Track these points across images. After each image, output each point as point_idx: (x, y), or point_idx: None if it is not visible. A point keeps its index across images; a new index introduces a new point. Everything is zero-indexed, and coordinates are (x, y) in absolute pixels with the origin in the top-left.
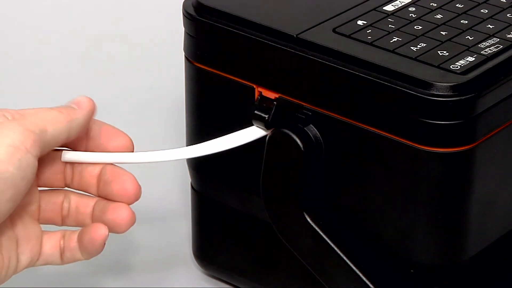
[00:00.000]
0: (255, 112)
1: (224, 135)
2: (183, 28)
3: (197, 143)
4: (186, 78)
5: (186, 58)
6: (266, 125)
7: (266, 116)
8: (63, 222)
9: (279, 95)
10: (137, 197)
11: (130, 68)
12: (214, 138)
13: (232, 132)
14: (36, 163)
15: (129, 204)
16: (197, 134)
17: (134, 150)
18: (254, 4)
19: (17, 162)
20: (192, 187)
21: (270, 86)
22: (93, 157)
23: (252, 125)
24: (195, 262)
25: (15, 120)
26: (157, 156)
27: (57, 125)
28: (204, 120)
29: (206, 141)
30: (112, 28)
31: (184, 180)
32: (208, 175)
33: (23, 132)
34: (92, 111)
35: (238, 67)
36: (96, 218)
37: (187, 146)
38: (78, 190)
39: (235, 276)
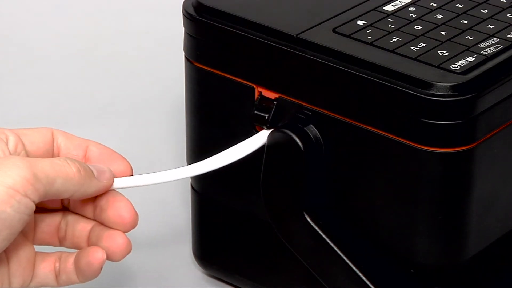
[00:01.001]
0: (255, 112)
1: (224, 135)
2: (183, 28)
3: (197, 144)
4: (186, 78)
5: (186, 58)
6: (266, 125)
7: (266, 116)
8: (60, 244)
9: (279, 95)
10: (133, 224)
11: (130, 68)
12: (214, 139)
13: (231, 133)
14: (34, 206)
15: (125, 231)
16: (197, 134)
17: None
18: (254, 4)
19: (15, 204)
20: (192, 187)
21: (270, 86)
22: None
23: (252, 125)
24: (195, 262)
25: (26, 160)
26: (162, 176)
27: (67, 183)
28: (204, 120)
29: (206, 141)
30: (112, 28)
31: (184, 180)
32: (208, 175)
33: (28, 178)
34: (108, 188)
35: (238, 67)
36: (91, 243)
37: (187, 146)
38: (75, 212)
39: (235, 276)
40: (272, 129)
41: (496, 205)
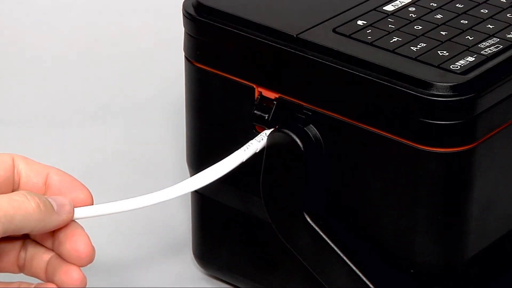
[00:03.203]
0: (255, 112)
1: (224, 135)
2: (183, 28)
3: (197, 144)
4: (186, 78)
5: (186, 58)
6: (266, 125)
7: (266, 116)
8: (20, 271)
9: (279, 95)
10: (89, 259)
11: (130, 68)
12: (214, 139)
13: (231, 133)
14: None
15: (81, 266)
16: (197, 134)
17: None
18: (254, 4)
19: None
20: None
21: (270, 86)
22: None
23: (252, 125)
24: (195, 262)
25: None
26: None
27: (26, 219)
28: (204, 120)
29: (206, 141)
30: (112, 28)
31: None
32: None
33: None
34: (67, 222)
35: (238, 67)
36: (48, 275)
37: (187, 146)
38: (35, 241)
39: (235, 276)
40: (272, 129)
41: (496, 205)
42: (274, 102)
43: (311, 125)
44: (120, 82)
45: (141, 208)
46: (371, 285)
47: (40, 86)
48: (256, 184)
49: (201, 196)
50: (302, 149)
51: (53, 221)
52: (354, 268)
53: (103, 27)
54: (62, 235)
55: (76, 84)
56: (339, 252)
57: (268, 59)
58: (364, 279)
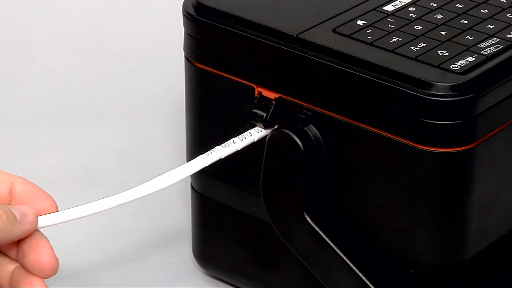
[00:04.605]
0: (253, 111)
1: (224, 135)
2: (183, 28)
3: (197, 144)
4: (186, 78)
5: (186, 58)
6: (264, 123)
7: (264, 115)
8: None
9: (279, 95)
10: (53, 271)
11: (130, 68)
12: (214, 139)
13: (231, 133)
14: None
15: (45, 278)
16: (197, 134)
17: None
18: (254, 4)
19: None
20: (192, 187)
21: (270, 86)
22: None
23: (251, 124)
24: (195, 262)
25: None
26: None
27: None
28: (204, 120)
29: (206, 141)
30: (112, 28)
31: (184, 180)
32: (208, 175)
33: None
34: (31, 232)
35: (238, 67)
36: (12, 286)
37: (187, 146)
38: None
39: (235, 276)
40: (272, 129)
41: (496, 205)
42: (273, 101)
43: (311, 125)
44: (120, 82)
45: (103, 211)
46: (371, 285)
47: (40, 86)
48: (256, 184)
49: (201, 196)
50: (302, 149)
51: (16, 231)
52: (354, 268)
53: (103, 27)
54: (26, 246)
55: (76, 84)
56: (339, 252)
57: (268, 59)
58: (364, 279)
